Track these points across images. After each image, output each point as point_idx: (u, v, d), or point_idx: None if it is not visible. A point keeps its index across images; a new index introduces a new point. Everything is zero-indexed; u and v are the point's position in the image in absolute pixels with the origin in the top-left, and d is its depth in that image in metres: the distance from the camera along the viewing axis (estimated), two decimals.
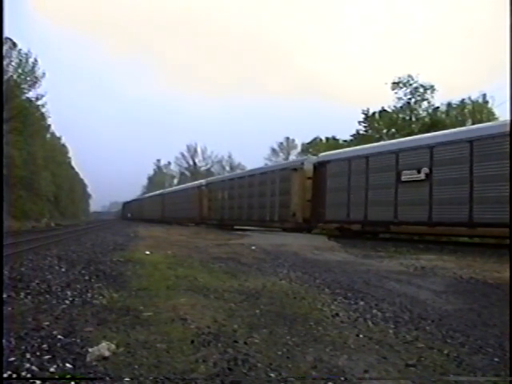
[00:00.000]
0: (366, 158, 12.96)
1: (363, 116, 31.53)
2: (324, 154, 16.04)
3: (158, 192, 45.62)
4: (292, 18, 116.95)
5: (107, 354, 2.43)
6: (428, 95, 28.31)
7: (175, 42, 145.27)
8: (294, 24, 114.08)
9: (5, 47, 24.80)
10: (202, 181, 30.05)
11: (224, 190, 23.40)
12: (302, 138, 51.98)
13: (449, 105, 28.98)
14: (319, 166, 14.99)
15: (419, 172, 11.19)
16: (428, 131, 17.74)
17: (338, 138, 36.33)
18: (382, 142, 17.83)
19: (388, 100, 34.07)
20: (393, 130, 28.91)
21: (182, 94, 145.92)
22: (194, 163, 65.62)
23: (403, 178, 11.64)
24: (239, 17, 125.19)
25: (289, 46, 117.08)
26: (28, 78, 28.29)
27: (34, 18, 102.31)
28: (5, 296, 3.88)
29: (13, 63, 27.45)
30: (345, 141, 32.99)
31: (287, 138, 54.58)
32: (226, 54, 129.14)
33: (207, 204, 25.67)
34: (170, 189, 43.29)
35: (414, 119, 28.77)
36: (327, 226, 14.62)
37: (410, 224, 11.46)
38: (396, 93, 28.80)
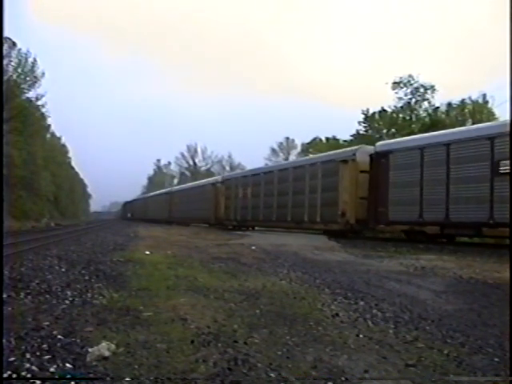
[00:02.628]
0: (447, 146, 10.75)
1: (363, 116, 31.57)
2: (384, 143, 13.88)
3: (164, 190, 42.99)
4: (291, 19, 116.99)
5: (107, 353, 2.43)
6: (428, 95, 28.36)
7: (175, 43, 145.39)
8: (291, 25, 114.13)
9: (4, 47, 24.80)
10: (217, 177, 27.58)
11: (246, 187, 20.66)
12: (300, 139, 52.05)
13: (449, 105, 28.98)
14: (378, 157, 12.70)
15: None
16: (427, 132, 17.71)
17: (338, 137, 36.41)
18: (466, 127, 14.88)
19: (385, 101, 34.19)
20: (393, 130, 28.92)
21: (182, 95, 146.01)
22: (194, 163, 65.67)
23: (502, 169, 9.49)
24: (239, 18, 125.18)
25: (288, 48, 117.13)
26: (28, 78, 28.30)
27: (32, 20, 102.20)
28: (5, 296, 3.88)
29: (12, 63, 27.48)
30: (345, 141, 32.98)
31: (287, 138, 54.67)
32: (225, 55, 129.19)
33: (224, 203, 22.93)
34: (179, 186, 39.92)
35: (414, 119, 28.77)
36: (391, 228, 12.65)
37: None
38: (396, 93, 28.85)
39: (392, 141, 14.11)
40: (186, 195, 30.78)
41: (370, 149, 13.73)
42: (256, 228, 20.50)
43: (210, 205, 24.95)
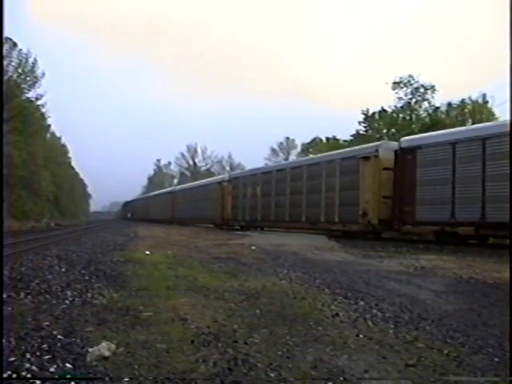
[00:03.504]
0: (482, 141, 10.03)
1: (363, 116, 31.59)
2: (410, 138, 12.90)
3: (166, 190, 42.46)
4: (291, 21, 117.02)
5: (107, 353, 2.43)
6: (428, 95, 28.38)
7: (175, 44, 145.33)
8: (291, 26, 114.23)
9: (4, 47, 24.80)
10: (224, 175, 26.62)
11: (255, 186, 19.78)
12: (300, 139, 52.03)
13: (449, 105, 28.99)
14: (404, 153, 11.90)
15: None
16: (428, 131, 17.69)
17: (338, 138, 36.43)
18: (504, 120, 13.42)
19: (384, 101, 34.13)
20: (393, 130, 28.93)
21: (182, 95, 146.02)
22: (194, 163, 65.73)
23: None
24: (239, 20, 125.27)
25: (288, 49, 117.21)
26: (28, 78, 28.32)
27: (31, 20, 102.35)
28: (5, 296, 3.88)
29: (13, 63, 27.49)
30: (345, 141, 33.01)
31: (287, 138, 54.70)
32: (225, 56, 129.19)
33: (231, 202, 22.04)
34: (182, 186, 38.57)
35: (414, 119, 28.78)
36: (418, 228, 11.69)
37: None
38: (396, 93, 28.87)
39: (419, 136, 13.27)
40: (190, 195, 30.04)
41: (394, 145, 13.16)
42: (265, 228, 19.94)
43: (215, 204, 24.21)
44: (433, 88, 28.20)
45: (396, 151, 12.40)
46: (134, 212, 52.81)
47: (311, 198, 15.70)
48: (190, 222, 28.13)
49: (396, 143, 13.13)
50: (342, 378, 2.21)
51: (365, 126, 31.64)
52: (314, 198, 15.48)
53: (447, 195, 10.72)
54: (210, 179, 31.58)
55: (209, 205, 25.38)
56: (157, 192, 46.85)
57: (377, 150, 13.12)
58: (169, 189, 41.61)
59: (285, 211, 17.19)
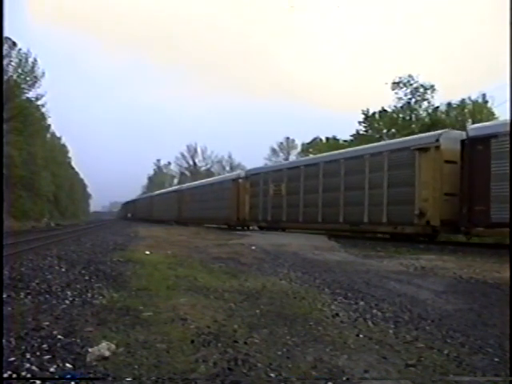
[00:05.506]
0: None
1: (363, 116, 31.61)
2: (481, 126, 11.34)
3: (172, 188, 40.58)
4: (290, 22, 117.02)
5: (107, 353, 2.43)
6: (428, 95, 28.39)
7: (176, 46, 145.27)
8: (291, 27, 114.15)
9: (4, 47, 24.81)
10: (239, 172, 24.10)
11: (279, 183, 17.90)
12: (300, 139, 52.03)
13: (449, 105, 29.00)
14: (473, 144, 10.24)
15: None
16: (428, 131, 17.67)
17: (338, 137, 36.46)
18: None
19: (384, 102, 34.18)
20: (393, 130, 28.94)
21: (183, 96, 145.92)
22: (194, 163, 65.79)
23: None
24: (239, 21, 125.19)
25: (288, 50, 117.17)
26: (28, 78, 28.28)
27: (31, 21, 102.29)
28: (5, 296, 3.88)
29: (12, 63, 27.48)
30: (345, 141, 33.03)
31: (287, 138, 54.75)
32: (225, 57, 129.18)
33: (248, 201, 20.12)
34: (191, 184, 35.77)
35: (414, 119, 28.79)
36: (493, 231, 9.98)
37: None
38: (396, 93, 28.88)
39: (492, 123, 11.65)
40: (200, 193, 28.14)
41: (457, 134, 11.50)
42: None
43: (229, 203, 22.25)
44: (432, 88, 28.25)
45: (463, 141, 10.59)
46: (136, 212, 51.53)
47: (351, 195, 13.89)
48: (199, 222, 26.48)
49: (459, 132, 11.63)
50: (342, 378, 2.22)
51: (365, 126, 31.67)
52: (355, 195, 13.65)
53: None
54: (222, 176, 29.92)
55: (221, 204, 23.60)
56: (161, 191, 45.20)
57: (437, 140, 11.27)
58: (175, 187, 39.91)
59: (317, 211, 15.30)
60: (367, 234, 14.21)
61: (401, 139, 15.20)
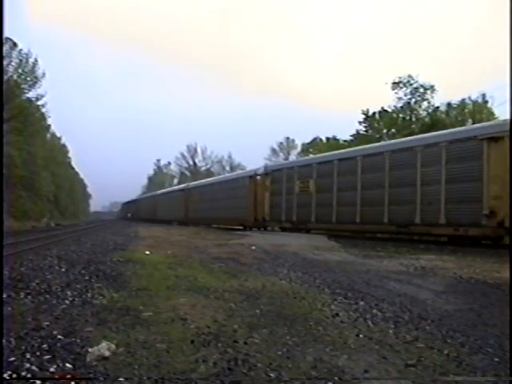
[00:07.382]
0: None
1: (363, 116, 31.61)
2: None
3: (178, 187, 38.83)
4: (290, 22, 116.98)
5: (107, 354, 2.43)
6: (428, 95, 28.38)
7: (175, 46, 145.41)
8: (291, 27, 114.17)
9: (5, 47, 24.82)
10: (258, 167, 21.11)
11: (307, 179, 16.24)
12: (300, 139, 52.11)
13: (449, 105, 29.01)
14: None
15: None
16: (428, 131, 17.65)
17: (338, 138, 36.46)
18: None
19: (384, 102, 34.19)
20: (393, 130, 28.94)
21: (183, 96, 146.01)
22: (194, 163, 65.80)
23: None
24: (238, 22, 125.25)
25: (287, 50, 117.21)
26: (28, 78, 28.29)
27: (31, 21, 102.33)
28: (5, 296, 3.88)
29: (13, 63, 27.48)
30: (345, 141, 33.03)
31: (287, 138, 54.80)
32: (226, 57, 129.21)
33: (268, 200, 18.38)
34: (199, 182, 33.39)
35: (414, 119, 28.80)
36: None
37: None
38: (396, 93, 28.89)
39: None
40: (210, 191, 26.11)
41: None
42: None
43: (246, 202, 20.24)
44: (432, 88, 28.24)
45: None
46: (138, 212, 49.94)
47: (398, 193, 12.38)
48: (210, 223, 24.64)
49: None
50: (342, 378, 2.22)
51: (365, 126, 31.69)
52: (404, 193, 12.18)
53: None
54: (236, 173, 27.93)
55: (236, 203, 21.46)
56: (166, 189, 43.58)
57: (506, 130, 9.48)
58: (182, 185, 37.54)
59: (354, 210, 13.79)
60: (421, 236, 12.64)
61: (461, 128, 13.70)
